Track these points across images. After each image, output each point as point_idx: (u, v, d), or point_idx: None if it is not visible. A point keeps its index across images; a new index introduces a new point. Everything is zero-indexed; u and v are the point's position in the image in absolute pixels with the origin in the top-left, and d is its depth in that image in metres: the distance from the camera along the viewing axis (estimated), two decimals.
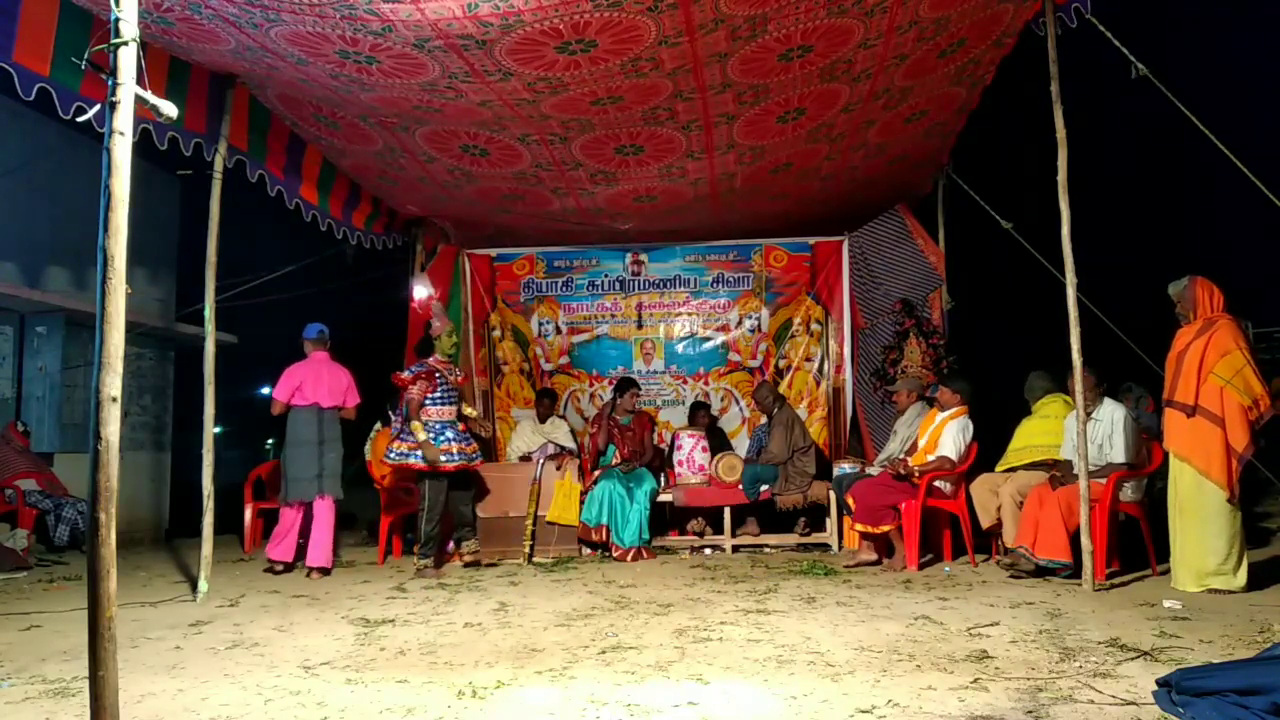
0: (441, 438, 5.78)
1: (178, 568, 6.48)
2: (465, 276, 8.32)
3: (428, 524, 5.74)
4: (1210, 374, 4.49)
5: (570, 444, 7.35)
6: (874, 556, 5.74)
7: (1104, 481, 4.94)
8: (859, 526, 5.71)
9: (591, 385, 8.25)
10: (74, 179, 8.41)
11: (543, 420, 7.50)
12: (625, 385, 7.18)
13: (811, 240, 8.13)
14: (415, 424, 5.72)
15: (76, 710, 2.81)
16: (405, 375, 5.89)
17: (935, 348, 7.13)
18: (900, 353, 7.26)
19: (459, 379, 6.08)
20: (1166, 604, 4.14)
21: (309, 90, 5.22)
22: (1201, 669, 2.71)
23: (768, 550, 6.59)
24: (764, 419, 7.15)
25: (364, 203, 7.31)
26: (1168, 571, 4.75)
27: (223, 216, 5.22)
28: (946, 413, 5.92)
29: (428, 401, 5.82)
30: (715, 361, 8.24)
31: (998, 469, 5.78)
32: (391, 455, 5.83)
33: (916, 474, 5.70)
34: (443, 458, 5.72)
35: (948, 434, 5.78)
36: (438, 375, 5.86)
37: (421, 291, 8.13)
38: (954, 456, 5.72)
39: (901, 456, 6.13)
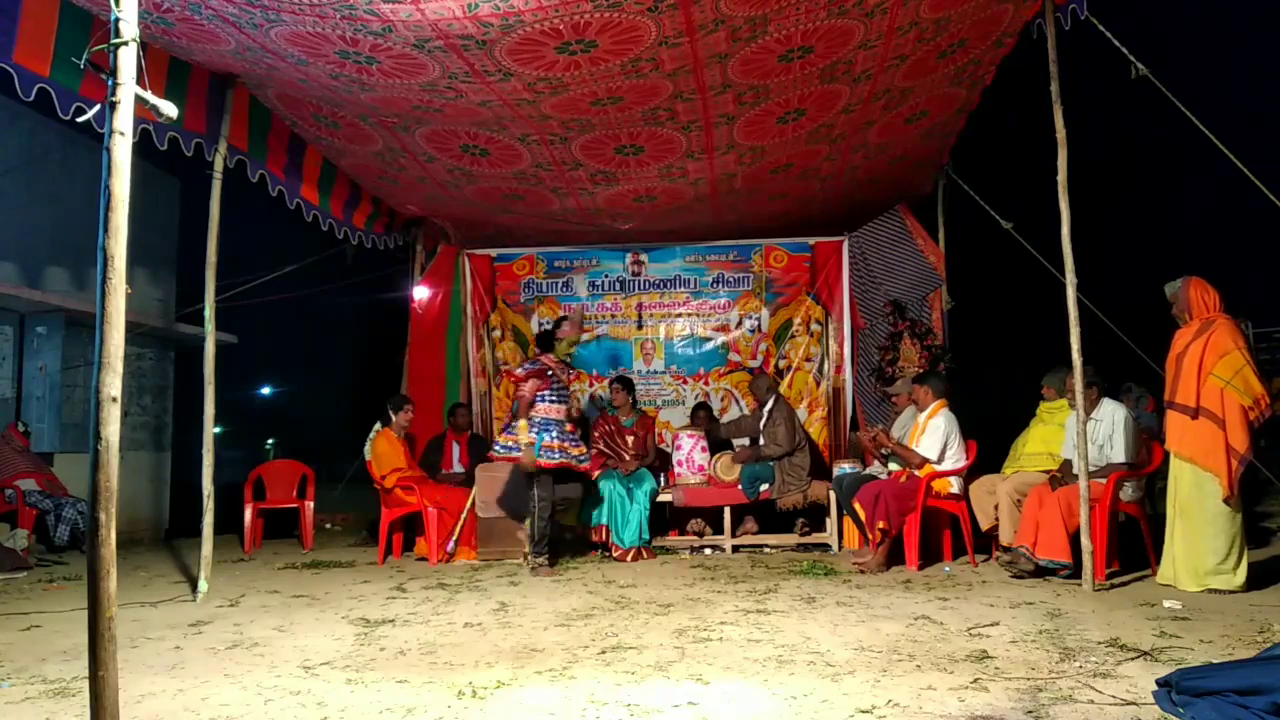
0: (546, 434, 5.74)
1: (178, 568, 6.48)
2: (465, 276, 8.33)
3: (540, 521, 5.73)
4: (1210, 375, 4.48)
5: None
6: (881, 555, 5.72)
7: (1104, 481, 4.94)
8: (881, 525, 5.58)
9: (591, 385, 8.25)
10: (74, 179, 8.40)
11: None
12: (613, 381, 7.39)
13: (811, 240, 8.13)
14: (521, 422, 5.72)
15: (76, 710, 2.81)
16: (519, 371, 5.94)
17: (930, 349, 7.13)
18: (895, 353, 7.27)
19: (571, 379, 6.06)
20: (1166, 604, 4.14)
21: (309, 90, 5.22)
22: (1201, 669, 2.71)
23: (767, 550, 6.59)
24: (758, 407, 7.12)
25: (364, 202, 7.32)
26: None
27: (223, 216, 5.22)
28: (925, 411, 5.92)
29: (539, 399, 5.82)
30: (715, 361, 8.23)
31: (1004, 470, 5.76)
32: (498, 449, 5.89)
33: (887, 449, 6.01)
34: (543, 456, 5.68)
35: (928, 435, 5.80)
36: (550, 373, 5.86)
37: (423, 292, 8.14)
38: (932, 456, 5.72)
39: (879, 429, 6.32)
